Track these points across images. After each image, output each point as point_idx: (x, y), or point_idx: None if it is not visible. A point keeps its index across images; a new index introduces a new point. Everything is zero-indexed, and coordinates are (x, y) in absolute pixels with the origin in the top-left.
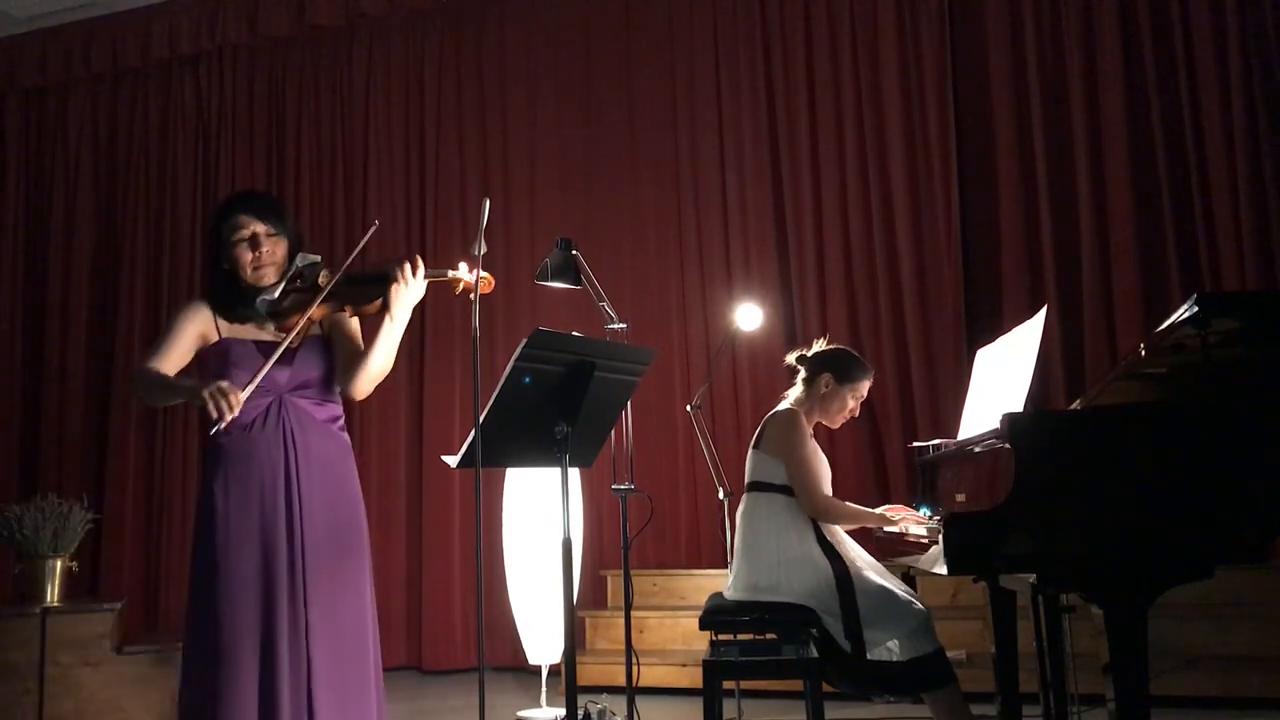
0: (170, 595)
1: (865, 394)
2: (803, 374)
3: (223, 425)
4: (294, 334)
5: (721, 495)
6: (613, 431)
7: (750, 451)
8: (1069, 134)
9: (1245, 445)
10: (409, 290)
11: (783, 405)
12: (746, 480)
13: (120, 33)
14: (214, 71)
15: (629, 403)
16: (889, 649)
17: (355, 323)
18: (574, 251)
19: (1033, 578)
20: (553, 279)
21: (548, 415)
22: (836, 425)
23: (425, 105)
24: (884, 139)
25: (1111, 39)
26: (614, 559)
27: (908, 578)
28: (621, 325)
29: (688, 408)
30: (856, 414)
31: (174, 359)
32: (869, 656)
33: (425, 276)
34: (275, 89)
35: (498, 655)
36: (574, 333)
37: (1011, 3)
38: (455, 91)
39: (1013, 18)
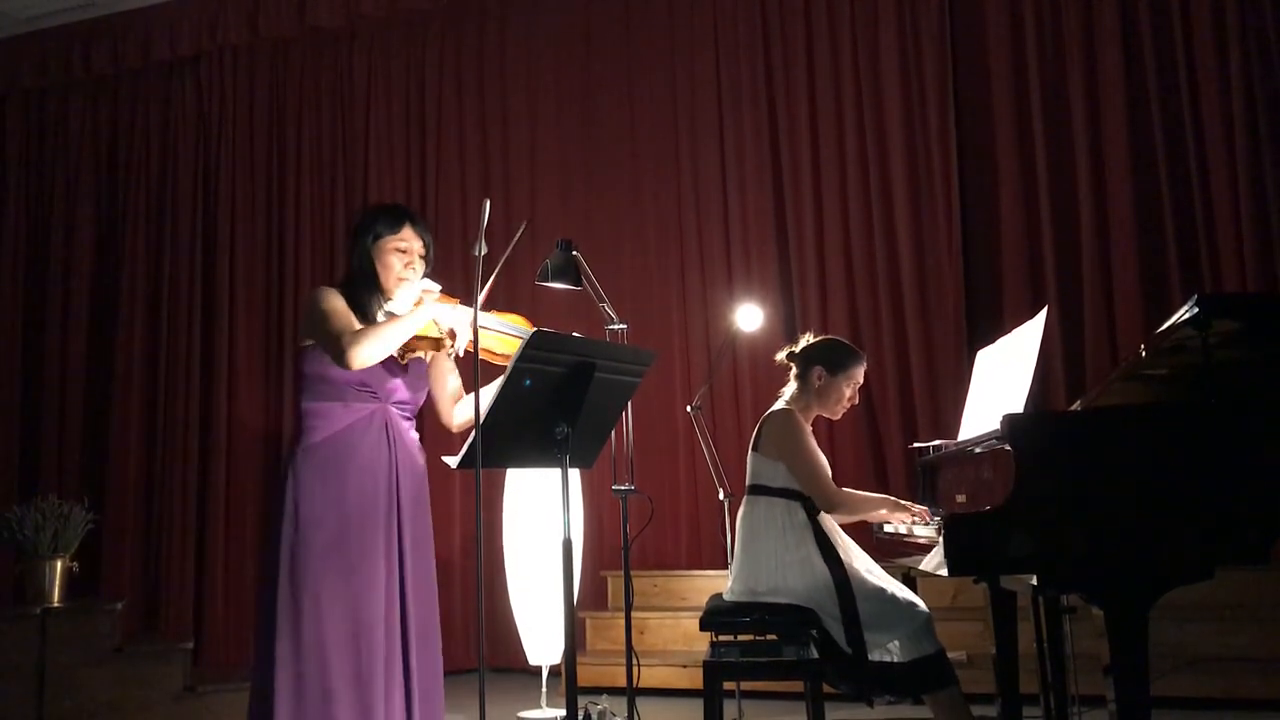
0: (170, 596)
1: (861, 380)
2: (795, 370)
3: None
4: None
5: (722, 496)
6: (613, 432)
7: (749, 453)
8: (1069, 134)
9: (1245, 446)
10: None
11: (778, 405)
12: (746, 483)
13: (121, 33)
14: (214, 72)
15: (629, 404)
16: (889, 650)
17: (456, 370)
18: (574, 252)
19: (1033, 579)
20: (553, 280)
21: (548, 416)
22: (838, 416)
23: (425, 106)
24: (884, 139)
25: (1112, 38)
26: (614, 560)
27: (908, 579)
28: (622, 326)
29: (688, 408)
30: (856, 401)
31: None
32: (870, 658)
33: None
34: (276, 90)
35: (498, 656)
36: (574, 334)
37: (1012, 2)
38: (455, 92)
39: (1013, 17)
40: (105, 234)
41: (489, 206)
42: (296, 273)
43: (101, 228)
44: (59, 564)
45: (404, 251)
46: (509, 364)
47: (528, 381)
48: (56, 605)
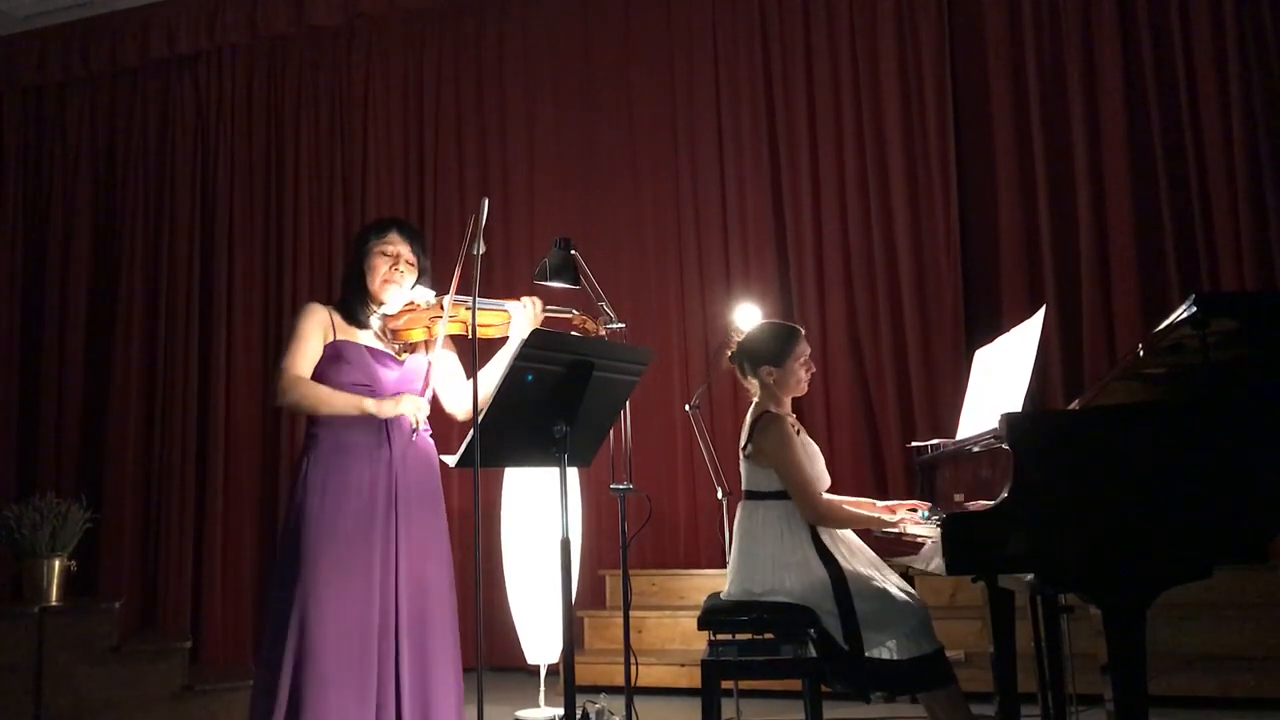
0: (168, 594)
1: (809, 348)
2: (743, 374)
3: (419, 430)
4: (434, 341)
5: (720, 495)
6: (611, 431)
7: (742, 459)
8: (1068, 133)
9: (1243, 445)
10: (527, 321)
11: (755, 406)
12: (743, 487)
13: (119, 32)
14: (213, 71)
15: (628, 402)
16: (887, 648)
17: (455, 355)
18: (572, 251)
19: (1031, 577)
20: (551, 279)
21: (547, 415)
22: (804, 392)
23: (424, 105)
24: (883, 139)
25: (1111, 39)
26: (612, 559)
27: (906, 577)
28: (620, 325)
29: (686, 408)
30: (814, 369)
31: (310, 362)
32: (868, 656)
33: (543, 311)
34: (274, 89)
35: (496, 655)
36: (573, 332)
37: (1011, 3)
38: (454, 91)
39: (1012, 18)
40: (103, 232)
41: (487, 205)
42: (294, 271)
43: (99, 226)
44: (57, 563)
45: (389, 255)
46: (508, 362)
47: (529, 377)
48: (54, 604)
